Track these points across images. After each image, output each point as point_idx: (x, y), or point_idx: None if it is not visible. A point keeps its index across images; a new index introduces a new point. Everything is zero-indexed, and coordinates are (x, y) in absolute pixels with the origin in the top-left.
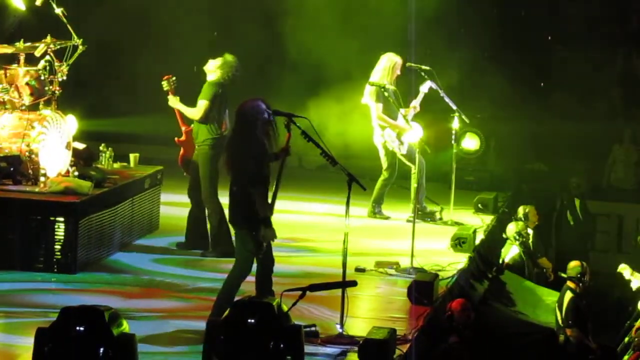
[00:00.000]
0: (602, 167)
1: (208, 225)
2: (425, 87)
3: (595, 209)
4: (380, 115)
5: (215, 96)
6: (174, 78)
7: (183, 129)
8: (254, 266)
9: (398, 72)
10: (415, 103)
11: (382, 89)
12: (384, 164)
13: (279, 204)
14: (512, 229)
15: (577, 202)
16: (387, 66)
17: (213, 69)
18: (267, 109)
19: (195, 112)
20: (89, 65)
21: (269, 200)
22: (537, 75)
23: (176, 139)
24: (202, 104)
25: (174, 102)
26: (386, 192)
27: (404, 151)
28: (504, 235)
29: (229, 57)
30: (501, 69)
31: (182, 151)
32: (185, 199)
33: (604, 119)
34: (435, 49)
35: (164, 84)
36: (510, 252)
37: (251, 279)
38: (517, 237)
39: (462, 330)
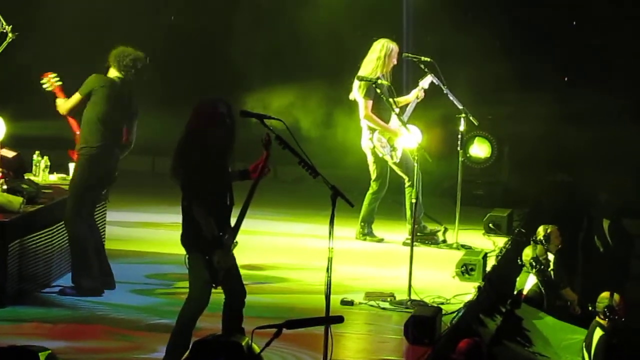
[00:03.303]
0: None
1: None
2: (425, 82)
3: (632, 229)
4: (369, 115)
5: (91, 90)
6: (53, 75)
7: (78, 133)
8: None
9: (394, 62)
10: (416, 92)
11: (373, 85)
12: (373, 174)
13: (248, 223)
14: (528, 253)
15: (605, 223)
16: (381, 55)
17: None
18: (225, 111)
19: (61, 103)
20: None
21: (232, 224)
22: (561, 66)
23: (70, 151)
24: (73, 96)
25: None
26: (376, 208)
27: (397, 159)
28: (519, 262)
29: (125, 50)
30: (516, 60)
31: None
32: (136, 217)
33: None
34: (438, 36)
35: (44, 83)
36: (528, 281)
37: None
38: (535, 264)
39: None
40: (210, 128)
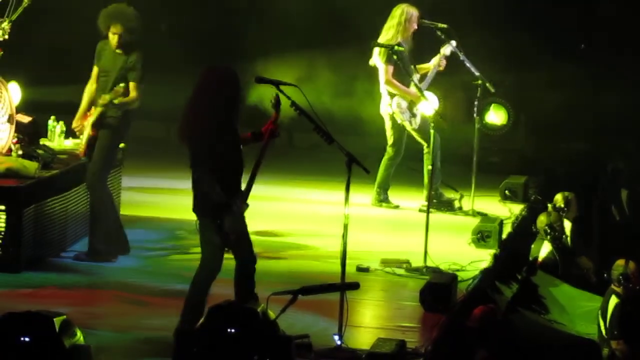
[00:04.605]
0: None
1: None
2: (447, 50)
3: None
4: (390, 80)
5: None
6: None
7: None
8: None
9: (415, 27)
10: (437, 60)
11: (391, 52)
12: (389, 139)
13: (264, 190)
14: (543, 220)
15: (623, 193)
16: (401, 20)
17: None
18: (238, 81)
19: (135, 99)
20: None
21: (242, 188)
22: (577, 32)
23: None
24: (139, 88)
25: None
26: (392, 174)
27: (416, 125)
28: (533, 229)
29: (116, 7)
30: (531, 24)
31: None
32: (151, 182)
33: None
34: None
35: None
36: (543, 248)
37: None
38: (549, 231)
39: (491, 343)
40: (222, 96)
